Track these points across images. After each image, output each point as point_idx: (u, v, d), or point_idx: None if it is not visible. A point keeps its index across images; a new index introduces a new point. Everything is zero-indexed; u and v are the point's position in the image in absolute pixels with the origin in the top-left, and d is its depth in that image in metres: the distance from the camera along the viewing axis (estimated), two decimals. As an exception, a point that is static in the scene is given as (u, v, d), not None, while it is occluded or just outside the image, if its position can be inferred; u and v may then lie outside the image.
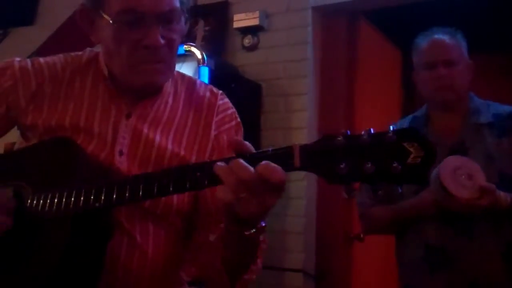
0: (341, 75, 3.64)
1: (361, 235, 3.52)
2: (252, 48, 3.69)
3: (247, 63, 3.69)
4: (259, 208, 1.08)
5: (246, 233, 1.17)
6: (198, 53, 3.23)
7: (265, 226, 1.20)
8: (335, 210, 3.56)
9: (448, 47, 2.41)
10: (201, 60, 3.20)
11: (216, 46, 3.70)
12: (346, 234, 3.59)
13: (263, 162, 1.05)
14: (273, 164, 1.05)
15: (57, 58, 1.53)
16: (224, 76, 3.28)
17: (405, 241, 2.45)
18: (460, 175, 2.11)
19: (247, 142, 1.14)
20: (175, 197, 1.41)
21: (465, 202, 2.10)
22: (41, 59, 1.52)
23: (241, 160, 1.07)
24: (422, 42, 2.46)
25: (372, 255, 3.75)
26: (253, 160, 1.08)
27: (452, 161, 2.12)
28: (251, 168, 1.05)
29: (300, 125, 3.49)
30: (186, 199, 1.44)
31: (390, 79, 4.21)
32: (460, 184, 2.10)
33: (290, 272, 3.41)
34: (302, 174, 3.41)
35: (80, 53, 1.56)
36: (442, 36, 2.42)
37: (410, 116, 2.59)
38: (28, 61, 1.52)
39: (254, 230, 1.17)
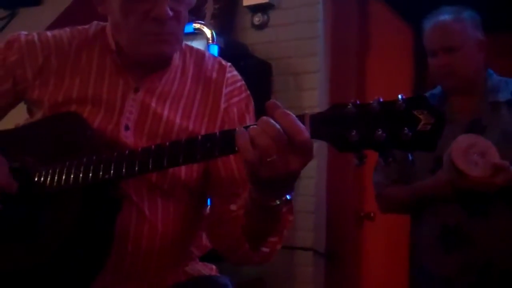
0: (352, 53, 3.61)
1: (372, 214, 3.52)
2: (262, 26, 3.66)
3: (257, 41, 3.66)
4: (282, 170, 1.06)
5: (272, 203, 1.17)
6: (207, 32, 3.22)
7: (290, 199, 1.20)
8: (345, 189, 3.55)
9: (449, 32, 2.36)
10: (211, 39, 3.20)
11: (226, 24, 3.67)
12: (356, 213, 3.59)
13: (285, 116, 1.04)
14: (299, 122, 1.04)
15: (63, 32, 1.53)
16: (234, 54, 3.25)
17: (420, 221, 2.44)
18: (472, 154, 2.09)
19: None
20: (183, 172, 1.40)
21: (478, 181, 2.09)
22: (48, 33, 1.52)
23: (266, 117, 1.05)
24: (426, 26, 2.43)
25: (382, 234, 3.75)
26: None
27: (465, 139, 2.11)
28: (277, 125, 1.04)
29: (311, 104, 3.46)
30: (195, 175, 1.43)
31: (401, 57, 4.18)
32: (472, 162, 2.08)
33: (300, 251, 3.41)
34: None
35: (86, 26, 1.55)
36: (444, 19, 2.37)
37: (427, 94, 2.56)
38: (35, 34, 1.51)
39: (278, 202, 1.17)
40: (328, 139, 1.06)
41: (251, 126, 1.07)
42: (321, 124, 1.06)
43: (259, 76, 3.49)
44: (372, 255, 3.67)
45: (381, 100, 1.03)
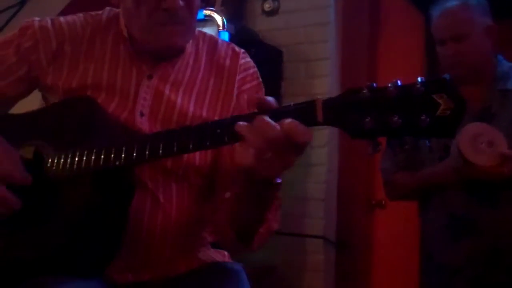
0: (363, 39, 3.59)
1: (383, 202, 3.51)
2: (273, 12, 3.64)
3: (268, 28, 3.64)
4: (280, 168, 1.06)
5: (262, 190, 1.16)
6: (218, 18, 3.21)
7: (280, 182, 1.18)
8: (356, 176, 3.55)
9: (457, 20, 2.31)
10: (221, 25, 3.18)
11: (236, 10, 3.64)
12: (367, 201, 3.58)
13: (289, 120, 1.02)
14: (298, 123, 1.01)
15: (77, 17, 1.52)
16: (244, 41, 3.23)
17: (428, 208, 2.43)
18: (480, 142, 2.07)
19: (269, 98, 1.10)
20: (197, 157, 1.40)
21: (485, 170, 2.06)
22: (61, 18, 1.51)
23: (266, 117, 1.03)
24: (434, 14, 2.38)
25: (394, 222, 3.72)
26: (275, 115, 1.04)
27: (473, 128, 2.08)
28: (277, 126, 1.02)
29: (322, 91, 3.44)
30: (209, 159, 1.43)
31: (412, 43, 4.14)
32: (479, 151, 2.06)
33: (311, 239, 3.41)
34: (323, 140, 3.40)
35: (100, 12, 1.55)
36: (452, 6, 2.32)
37: None
38: (48, 20, 1.51)
39: (269, 187, 1.16)
40: (340, 126, 1.03)
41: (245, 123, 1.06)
42: (334, 110, 1.02)
43: (269, 63, 3.47)
44: (383, 243, 3.65)
45: (399, 83, 0.99)
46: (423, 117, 0.95)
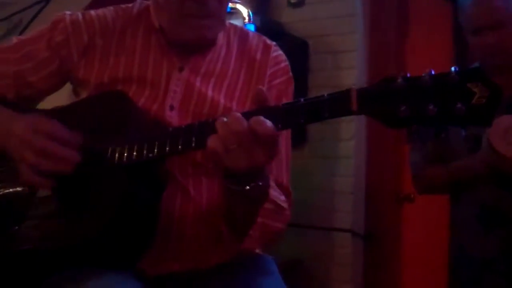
0: (391, 30, 3.55)
1: (412, 196, 3.47)
2: (299, 4, 3.62)
3: (294, 19, 3.62)
4: (247, 163, 1.08)
5: (238, 188, 1.16)
6: (243, 11, 3.19)
7: (262, 185, 1.18)
8: (384, 170, 3.52)
9: (493, 7, 2.24)
10: (247, 18, 3.17)
11: (262, 3, 3.63)
12: (396, 195, 3.55)
13: (256, 117, 1.06)
14: (263, 118, 1.05)
15: (107, 11, 1.53)
16: (270, 33, 3.19)
17: (459, 201, 2.40)
18: None
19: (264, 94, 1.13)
20: None
21: None
22: (92, 12, 1.52)
23: (238, 114, 1.08)
24: (465, 3, 2.31)
25: (422, 216, 3.68)
26: (309, 105, 1.07)
27: (505, 120, 2.04)
28: (244, 121, 1.06)
29: (349, 83, 3.42)
30: None
31: (441, 33, 4.08)
32: (510, 144, 2.02)
33: (338, 232, 3.39)
34: (351, 133, 3.38)
35: (130, 5, 1.55)
36: None
37: None
38: (79, 14, 1.51)
39: (248, 187, 1.16)
40: (375, 115, 1.02)
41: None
42: (368, 99, 1.02)
43: (296, 55, 3.44)
44: (411, 237, 3.62)
45: (433, 72, 0.99)
46: (459, 106, 0.95)
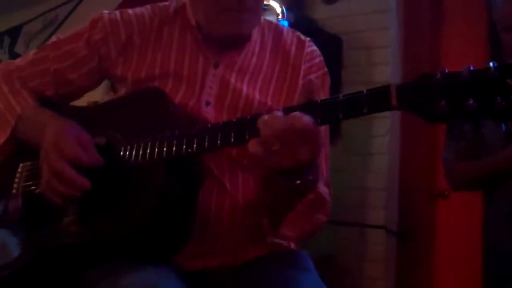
0: (425, 26, 3.52)
1: (446, 192, 3.44)
2: (332, 0, 3.60)
3: (327, 16, 3.60)
4: (291, 162, 1.08)
5: (289, 183, 1.16)
6: (277, 7, 3.20)
7: (312, 179, 1.19)
8: (418, 166, 3.49)
9: None
10: (280, 14, 3.17)
11: (295, -1, 3.62)
12: (430, 191, 3.51)
13: (294, 113, 1.07)
14: (302, 114, 1.06)
15: (144, 9, 1.55)
16: (304, 29, 3.18)
17: (492, 198, 2.37)
18: None
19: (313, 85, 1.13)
20: None
21: None
22: (130, 10, 1.54)
23: (278, 112, 1.08)
24: (498, 0, 2.29)
25: (457, 213, 3.65)
26: (348, 100, 1.08)
27: None
28: (284, 120, 1.06)
29: (383, 79, 3.39)
30: None
31: (476, 29, 4.03)
32: None
33: (372, 229, 3.37)
34: (385, 129, 3.36)
35: (167, 3, 1.58)
36: None
37: None
38: (117, 12, 1.54)
39: (298, 182, 1.16)
40: (415, 110, 1.03)
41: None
42: (408, 95, 1.03)
43: (329, 51, 3.39)
44: (445, 234, 3.58)
45: (472, 68, 0.99)
46: (498, 100, 0.95)
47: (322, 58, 1.53)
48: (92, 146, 1.34)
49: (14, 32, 5.75)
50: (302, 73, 1.48)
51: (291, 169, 1.10)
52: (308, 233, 1.37)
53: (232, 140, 1.19)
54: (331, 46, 3.47)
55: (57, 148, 1.30)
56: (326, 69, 1.53)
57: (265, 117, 1.09)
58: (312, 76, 1.47)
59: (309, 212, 1.32)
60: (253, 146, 1.09)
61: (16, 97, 1.48)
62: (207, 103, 1.42)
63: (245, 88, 1.44)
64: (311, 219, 1.34)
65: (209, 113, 1.41)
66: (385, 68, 3.42)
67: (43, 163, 1.33)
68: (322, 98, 1.44)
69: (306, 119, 1.05)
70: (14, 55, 5.66)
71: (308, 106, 1.12)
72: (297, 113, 1.06)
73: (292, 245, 1.54)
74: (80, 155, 1.30)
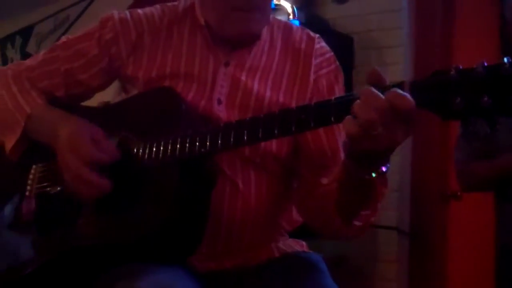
0: (437, 25, 3.50)
1: (458, 193, 3.42)
2: (343, 0, 3.59)
3: (338, 15, 3.61)
4: (387, 141, 1.02)
5: (367, 177, 1.12)
6: (288, 7, 3.19)
7: (386, 171, 1.14)
8: (430, 166, 3.48)
9: None
10: (291, 14, 3.16)
11: (306, -1, 3.62)
12: (442, 192, 3.50)
13: (392, 89, 0.99)
14: (403, 92, 0.98)
15: (154, 9, 1.55)
16: (315, 29, 3.19)
17: (504, 199, 2.35)
18: None
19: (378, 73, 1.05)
20: (274, 145, 1.40)
21: None
22: (140, 10, 1.54)
23: (372, 88, 1.00)
24: None
25: (469, 214, 3.63)
26: (354, 101, 1.02)
27: None
28: (381, 96, 0.99)
29: (395, 79, 3.26)
30: (285, 148, 1.43)
31: (488, 28, 4.01)
32: None
33: (384, 230, 3.36)
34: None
35: (176, 3, 1.57)
36: None
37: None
38: (127, 12, 1.54)
39: (374, 174, 1.12)
40: (430, 108, 1.00)
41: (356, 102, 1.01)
42: (422, 92, 1.00)
43: (340, 50, 3.38)
44: (458, 235, 3.57)
45: (486, 64, 0.97)
46: None
47: (332, 53, 1.52)
48: (107, 140, 1.34)
49: (25, 32, 5.79)
50: (313, 68, 1.47)
51: (384, 150, 1.03)
52: (368, 225, 1.35)
53: (245, 139, 1.19)
54: (342, 46, 3.47)
55: (73, 149, 1.30)
56: (338, 63, 1.52)
57: (358, 101, 1.01)
58: (324, 71, 1.48)
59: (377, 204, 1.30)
60: (350, 126, 1.01)
61: (25, 97, 1.48)
62: (219, 102, 1.42)
63: (256, 86, 1.43)
64: (376, 211, 1.33)
65: (221, 112, 1.41)
66: (397, 68, 3.41)
67: (61, 165, 1.33)
68: (337, 93, 1.45)
69: (409, 98, 0.98)
70: (25, 55, 5.70)
71: (321, 105, 1.11)
72: (398, 91, 0.99)
73: (305, 247, 1.54)
74: (97, 155, 1.30)
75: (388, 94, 0.98)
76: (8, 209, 1.47)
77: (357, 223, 1.31)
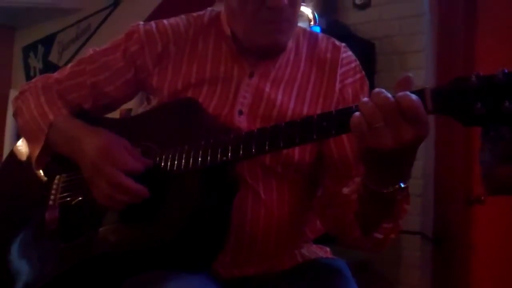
0: (459, 30, 3.47)
1: (482, 198, 3.39)
2: (364, 6, 3.59)
3: (360, 21, 3.60)
4: (393, 142, 1.01)
5: (385, 191, 1.13)
6: (309, 13, 3.19)
7: (405, 187, 1.15)
8: (454, 171, 3.45)
9: None
10: (312, 20, 3.16)
11: (327, 5, 3.62)
12: (465, 197, 3.47)
13: (402, 92, 1.01)
14: (408, 92, 1.00)
15: (179, 19, 1.56)
16: (336, 35, 3.18)
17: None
18: None
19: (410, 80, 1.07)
20: (296, 154, 1.40)
21: None
22: (165, 21, 1.55)
23: (381, 89, 1.03)
24: None
25: (494, 219, 3.59)
26: None
27: None
28: (390, 96, 1.01)
29: (417, 84, 3.27)
30: (307, 157, 1.42)
31: (511, 32, 3.98)
32: None
33: (407, 235, 3.34)
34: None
35: (201, 12, 1.58)
36: None
37: None
38: (153, 23, 1.55)
39: (391, 188, 1.13)
40: (451, 114, 1.01)
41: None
42: (443, 98, 1.01)
43: (362, 56, 3.37)
44: (482, 240, 3.53)
45: (506, 71, 0.98)
46: None
47: (358, 62, 1.52)
48: (136, 151, 1.36)
49: (48, 41, 5.86)
50: (338, 78, 1.46)
51: (392, 150, 1.03)
52: (388, 240, 1.35)
53: (267, 147, 1.20)
54: (364, 52, 3.45)
55: (108, 158, 1.32)
56: (363, 73, 1.51)
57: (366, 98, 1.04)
58: (350, 81, 1.47)
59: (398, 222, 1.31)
60: (355, 117, 1.03)
61: (50, 106, 1.50)
62: (240, 112, 1.42)
63: (279, 98, 1.43)
64: (397, 228, 1.33)
65: (242, 123, 1.41)
66: (419, 73, 3.38)
67: (95, 179, 1.33)
68: None
69: (414, 97, 1.00)
70: (48, 64, 5.76)
71: (344, 111, 1.12)
72: (405, 92, 1.01)
73: (329, 253, 1.54)
74: (134, 164, 1.32)
75: (396, 95, 1.01)
76: (33, 219, 1.50)
77: (378, 235, 1.32)
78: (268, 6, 1.35)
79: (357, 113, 1.03)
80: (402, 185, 1.14)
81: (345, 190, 1.37)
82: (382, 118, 1.00)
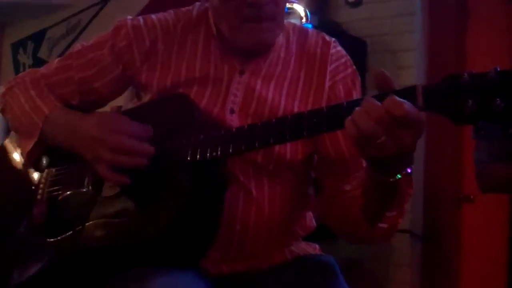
0: (451, 29, 3.49)
1: (471, 196, 3.41)
2: (356, 4, 3.60)
3: (351, 19, 3.61)
4: (394, 148, 1.02)
5: (391, 179, 1.13)
6: (301, 10, 3.19)
7: (411, 172, 1.15)
8: (443, 170, 3.46)
9: None
10: (304, 17, 3.16)
11: (319, 2, 3.61)
12: (455, 195, 3.49)
13: (391, 97, 1.00)
14: (399, 99, 0.99)
15: (168, 15, 1.53)
16: (328, 33, 3.20)
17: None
18: None
19: (384, 75, 1.07)
20: (288, 152, 1.39)
21: None
22: (153, 16, 1.52)
23: (370, 97, 1.02)
24: None
25: (482, 217, 3.61)
26: (379, 99, 1.03)
27: None
28: (379, 103, 1.00)
29: (408, 82, 3.28)
30: (300, 156, 1.42)
31: (502, 32, 3.99)
32: None
33: (397, 233, 3.31)
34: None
35: (190, 7, 1.55)
36: None
37: None
38: (140, 18, 1.52)
39: (399, 176, 1.13)
40: (442, 111, 1.01)
41: (356, 108, 1.03)
42: (435, 96, 1.01)
43: (354, 54, 3.37)
44: (471, 238, 3.55)
45: (498, 69, 0.97)
46: None
47: (348, 57, 1.50)
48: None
49: (37, 37, 5.82)
50: (328, 74, 1.44)
51: (395, 155, 1.03)
52: (396, 228, 1.34)
53: (257, 144, 1.20)
54: (356, 50, 3.45)
55: (108, 128, 1.33)
56: (354, 67, 1.50)
57: (359, 107, 1.03)
58: (340, 76, 1.46)
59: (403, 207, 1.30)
60: (351, 130, 1.02)
61: (43, 100, 1.48)
62: (232, 111, 1.40)
63: (270, 95, 1.42)
64: (403, 213, 1.32)
65: (234, 121, 1.39)
66: (411, 71, 3.40)
67: (96, 150, 1.33)
68: (355, 97, 1.43)
69: (407, 106, 0.99)
70: (37, 60, 5.72)
71: (335, 108, 1.11)
72: (394, 99, 1.00)
73: (318, 250, 1.54)
74: (135, 127, 1.33)
75: (385, 102, 1.00)
76: (22, 214, 1.49)
77: (382, 225, 1.30)
78: (249, 2, 1.32)
79: (356, 131, 1.02)
80: (409, 170, 1.15)
81: (347, 187, 1.37)
82: (383, 133, 1.00)
